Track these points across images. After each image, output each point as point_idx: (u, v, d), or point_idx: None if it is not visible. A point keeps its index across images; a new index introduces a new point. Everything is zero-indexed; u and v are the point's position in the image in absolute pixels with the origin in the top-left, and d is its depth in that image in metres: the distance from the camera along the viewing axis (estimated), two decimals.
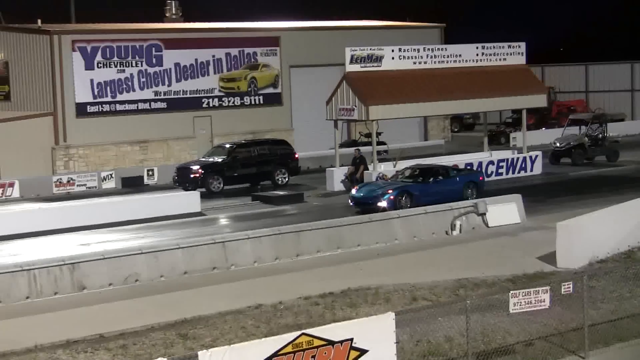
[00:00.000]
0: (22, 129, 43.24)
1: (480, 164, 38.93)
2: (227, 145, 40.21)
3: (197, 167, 38.37)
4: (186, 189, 36.97)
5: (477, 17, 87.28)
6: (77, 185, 40.59)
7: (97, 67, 44.72)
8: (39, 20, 46.03)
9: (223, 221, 31.75)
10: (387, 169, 36.78)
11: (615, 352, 15.74)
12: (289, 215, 32.17)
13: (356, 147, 39.90)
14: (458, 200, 29.59)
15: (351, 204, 31.96)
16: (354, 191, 32.37)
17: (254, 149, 39.82)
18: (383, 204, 30.55)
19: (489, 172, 39.07)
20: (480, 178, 33.61)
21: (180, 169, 38.97)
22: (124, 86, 45.40)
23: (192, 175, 37.96)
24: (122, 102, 45.36)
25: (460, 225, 27.04)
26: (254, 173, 39.24)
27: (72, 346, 16.85)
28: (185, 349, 16.33)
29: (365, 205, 30.96)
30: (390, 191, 31.05)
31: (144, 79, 45.89)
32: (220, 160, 38.82)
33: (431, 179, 32.17)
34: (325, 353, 12.95)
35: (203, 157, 40.69)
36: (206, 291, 21.03)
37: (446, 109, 40.77)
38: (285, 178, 39.78)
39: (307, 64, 50.54)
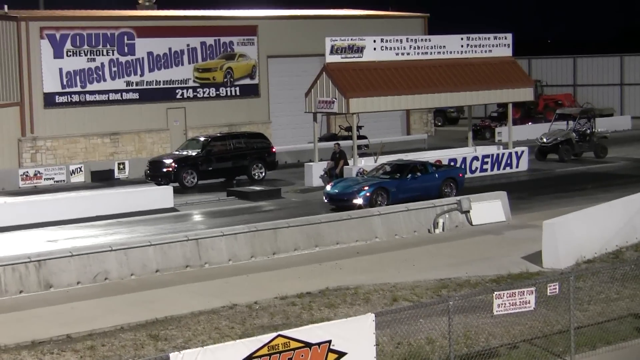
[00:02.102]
0: None
1: (464, 159, 38.87)
2: (202, 139, 40.05)
3: (170, 160, 38.16)
4: (159, 184, 36.82)
5: (462, 6, 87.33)
6: (45, 178, 40.21)
7: (67, 55, 44.25)
8: (6, 6, 45.43)
9: (197, 217, 31.66)
10: (367, 164, 36.66)
11: (602, 356, 15.79)
12: (266, 211, 32.10)
13: (336, 142, 39.74)
14: (436, 197, 29.98)
15: (326, 200, 31.80)
16: (328, 187, 32.25)
17: (229, 142, 39.63)
18: (359, 200, 30.42)
19: (473, 167, 39.21)
20: (460, 175, 33.46)
21: (153, 163, 38.83)
22: (94, 76, 45.00)
23: (165, 169, 37.80)
24: (92, 93, 44.99)
25: (443, 223, 26.98)
26: (229, 167, 39.10)
27: (38, 347, 16.83)
28: (156, 351, 16.38)
29: (341, 202, 30.90)
30: (366, 188, 30.88)
31: (115, 69, 45.54)
32: (194, 153, 38.61)
33: (409, 175, 31.99)
34: (302, 355, 13.06)
35: (176, 151, 40.47)
36: (179, 290, 21.12)
37: (429, 102, 40.37)
38: (262, 173, 39.65)
39: (286, 54, 50.45)
